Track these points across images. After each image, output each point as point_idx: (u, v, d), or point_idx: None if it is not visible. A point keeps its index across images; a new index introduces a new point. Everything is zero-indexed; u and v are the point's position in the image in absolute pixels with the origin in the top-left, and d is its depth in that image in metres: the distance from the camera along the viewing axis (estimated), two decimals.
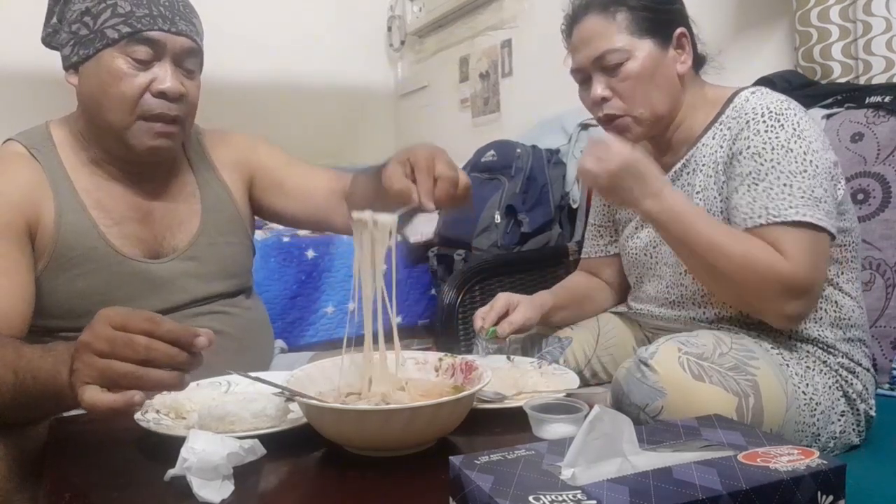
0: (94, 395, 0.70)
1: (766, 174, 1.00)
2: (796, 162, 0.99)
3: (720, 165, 1.08)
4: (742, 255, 0.97)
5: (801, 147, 1.00)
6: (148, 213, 1.13)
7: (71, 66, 1.07)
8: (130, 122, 1.05)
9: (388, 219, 0.83)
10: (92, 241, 1.07)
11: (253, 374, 0.88)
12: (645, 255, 1.23)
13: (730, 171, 1.06)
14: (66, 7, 1.08)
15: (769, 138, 1.01)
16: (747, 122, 1.04)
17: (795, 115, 1.02)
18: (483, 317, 1.16)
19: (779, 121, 1.02)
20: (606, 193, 1.05)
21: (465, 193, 0.92)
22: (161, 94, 1.04)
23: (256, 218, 1.33)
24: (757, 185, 1.00)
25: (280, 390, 0.83)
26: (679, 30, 1.12)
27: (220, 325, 1.15)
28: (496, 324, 1.15)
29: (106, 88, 1.03)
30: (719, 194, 1.09)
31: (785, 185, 0.98)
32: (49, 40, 1.13)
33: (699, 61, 1.18)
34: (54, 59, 1.11)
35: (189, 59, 1.08)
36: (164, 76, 1.04)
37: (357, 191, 1.18)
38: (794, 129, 1.01)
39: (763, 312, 1.02)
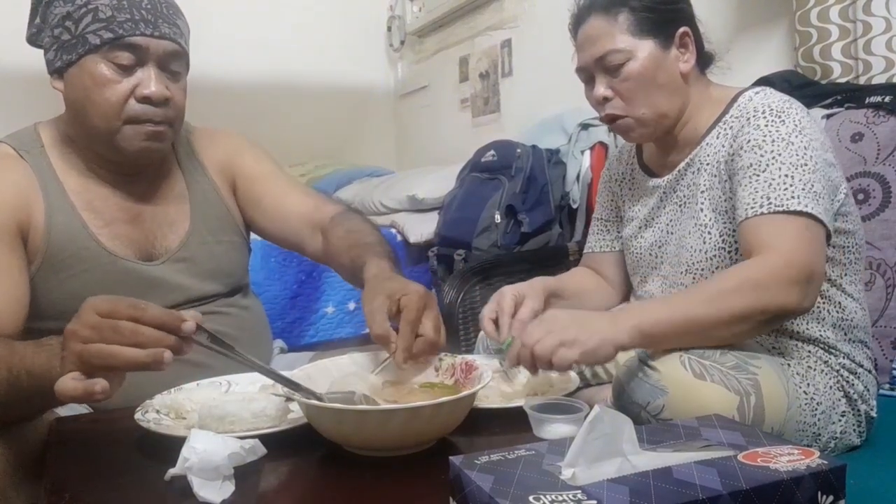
0: (62, 383, 0.70)
1: (768, 165, 1.00)
2: (797, 155, 0.99)
3: (723, 164, 1.09)
4: (738, 284, 0.92)
5: (801, 142, 1.00)
6: (138, 215, 1.13)
7: (55, 71, 1.06)
8: (118, 126, 1.04)
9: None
10: (83, 241, 1.06)
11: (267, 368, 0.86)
12: (650, 254, 1.22)
13: (731, 167, 1.06)
14: (48, 9, 1.06)
15: (769, 132, 1.02)
16: (748, 118, 1.05)
17: (797, 113, 1.03)
18: (491, 318, 1.12)
19: (780, 117, 1.02)
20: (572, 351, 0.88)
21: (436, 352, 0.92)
22: (145, 100, 1.03)
23: None
24: (758, 175, 1.00)
25: (281, 388, 0.82)
26: (682, 29, 1.12)
27: (217, 326, 1.14)
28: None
29: (90, 95, 1.03)
30: (723, 193, 1.09)
31: (786, 175, 0.98)
32: (34, 39, 1.12)
33: (706, 60, 1.18)
34: (41, 59, 1.09)
35: (173, 62, 1.07)
36: (148, 81, 1.03)
37: (340, 252, 1.13)
38: (796, 125, 1.01)
39: (788, 311, 0.95)
